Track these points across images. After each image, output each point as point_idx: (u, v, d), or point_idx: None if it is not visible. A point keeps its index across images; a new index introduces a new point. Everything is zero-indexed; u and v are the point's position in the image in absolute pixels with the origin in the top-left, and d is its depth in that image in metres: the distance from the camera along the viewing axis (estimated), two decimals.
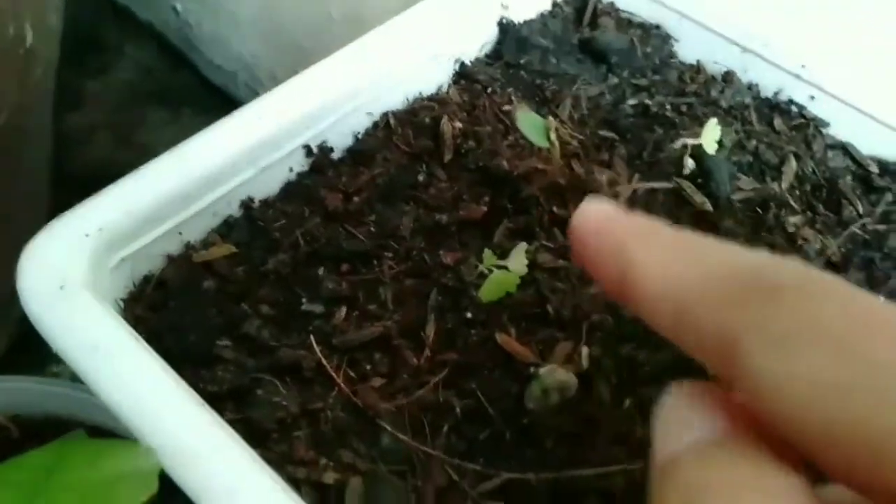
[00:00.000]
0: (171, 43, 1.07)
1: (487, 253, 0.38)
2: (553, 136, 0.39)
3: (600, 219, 0.20)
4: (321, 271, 0.40)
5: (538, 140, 0.39)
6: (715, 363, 0.17)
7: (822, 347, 0.14)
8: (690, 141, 0.46)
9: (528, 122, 0.39)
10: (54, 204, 0.69)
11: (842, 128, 0.51)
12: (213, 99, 1.03)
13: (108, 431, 0.41)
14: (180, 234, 0.39)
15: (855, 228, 0.45)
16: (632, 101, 0.52)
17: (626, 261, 0.19)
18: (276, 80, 0.46)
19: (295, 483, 0.32)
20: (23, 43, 0.51)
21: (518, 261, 0.38)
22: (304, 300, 0.39)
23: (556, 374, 0.32)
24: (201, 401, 0.31)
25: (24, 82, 0.54)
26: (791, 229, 0.45)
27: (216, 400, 0.33)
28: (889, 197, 0.48)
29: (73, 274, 0.34)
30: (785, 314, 0.15)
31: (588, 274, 0.21)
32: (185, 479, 0.28)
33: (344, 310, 0.38)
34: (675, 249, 0.18)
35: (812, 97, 0.52)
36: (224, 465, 0.28)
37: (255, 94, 0.85)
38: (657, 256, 0.18)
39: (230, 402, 0.34)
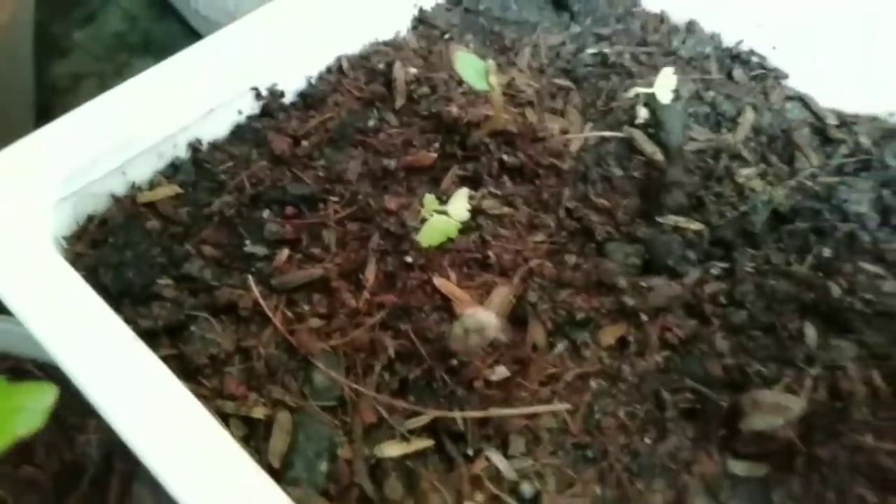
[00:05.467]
0: None
1: (429, 198, 0.39)
2: (493, 79, 0.39)
3: None
4: (266, 214, 0.40)
5: (477, 83, 0.39)
6: None
7: None
8: (643, 90, 0.46)
9: (468, 64, 0.38)
10: None
11: (802, 79, 0.50)
12: None
13: (51, 366, 0.42)
14: (124, 174, 0.39)
15: (805, 180, 0.45)
16: (592, 51, 0.51)
17: None
18: None
19: (224, 417, 0.32)
20: None
21: (458, 207, 0.38)
22: (247, 242, 0.39)
23: (476, 315, 0.33)
24: (133, 335, 0.31)
25: None
26: (741, 180, 0.45)
27: (151, 336, 0.34)
28: (844, 149, 0.48)
29: (7, 210, 0.34)
30: None
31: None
32: (102, 406, 0.29)
33: (286, 252, 0.39)
34: None
35: (774, 47, 0.51)
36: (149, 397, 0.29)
37: None
38: None
39: (165, 337, 0.34)
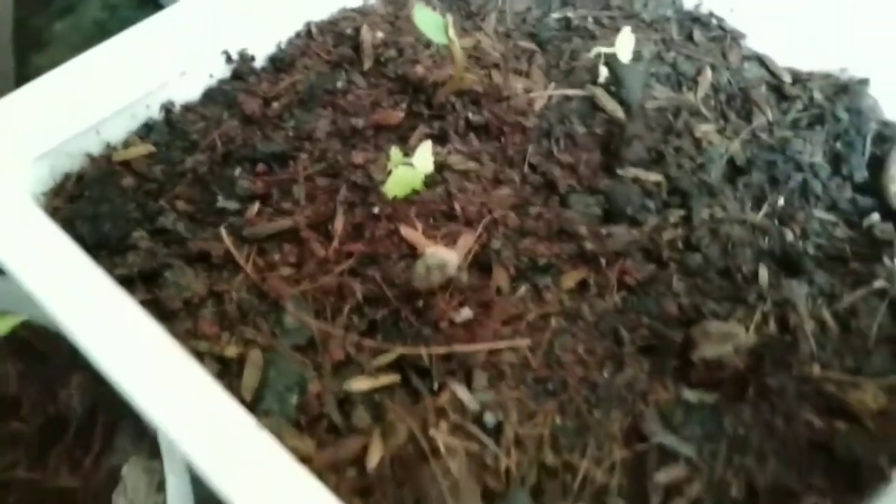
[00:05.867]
0: None
1: (394, 150, 0.40)
2: (452, 32, 0.40)
3: None
4: (237, 171, 0.42)
5: (436, 36, 0.41)
6: None
7: None
8: (605, 49, 0.48)
9: (426, 17, 0.40)
10: None
11: (759, 39, 0.52)
12: None
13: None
14: (98, 133, 0.40)
15: (761, 133, 0.47)
16: (556, 15, 0.53)
17: None
18: None
19: (198, 356, 0.34)
20: None
21: (423, 158, 0.40)
22: (219, 198, 0.40)
23: (438, 253, 0.34)
24: (110, 281, 0.33)
25: None
26: (699, 135, 0.47)
27: (127, 282, 0.35)
28: (799, 105, 0.49)
29: None
30: None
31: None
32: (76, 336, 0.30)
33: (257, 206, 0.40)
34: None
35: (731, 10, 0.53)
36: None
37: None
38: None
39: (140, 284, 0.36)
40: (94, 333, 0.31)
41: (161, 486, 0.40)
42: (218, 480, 0.27)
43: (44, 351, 0.44)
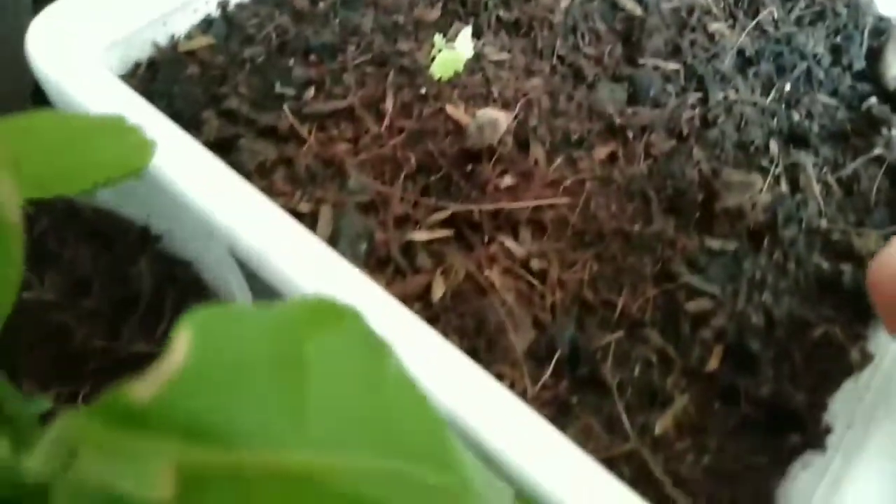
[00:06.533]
0: None
1: (437, 37, 0.44)
2: None
3: None
4: (291, 61, 0.45)
5: None
6: None
7: None
8: None
9: None
10: None
11: None
12: None
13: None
14: (164, 24, 0.44)
15: (768, 27, 0.51)
16: None
17: None
18: None
19: None
20: None
21: (464, 42, 0.44)
22: (276, 84, 0.44)
23: (488, 112, 0.38)
24: (196, 142, 0.36)
25: None
26: (711, 30, 0.51)
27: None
28: (801, 3, 0.53)
29: (75, 49, 0.39)
30: None
31: None
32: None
33: (312, 90, 0.44)
34: None
35: None
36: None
37: None
38: None
39: (216, 150, 0.39)
40: (194, 183, 0.34)
41: None
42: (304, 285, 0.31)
43: (112, 234, 0.48)
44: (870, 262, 0.30)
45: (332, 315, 0.17)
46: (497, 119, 0.38)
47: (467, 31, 0.44)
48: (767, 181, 0.42)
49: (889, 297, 0.28)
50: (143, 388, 0.13)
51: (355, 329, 0.17)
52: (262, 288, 0.35)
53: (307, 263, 0.32)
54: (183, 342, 0.13)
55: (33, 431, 0.17)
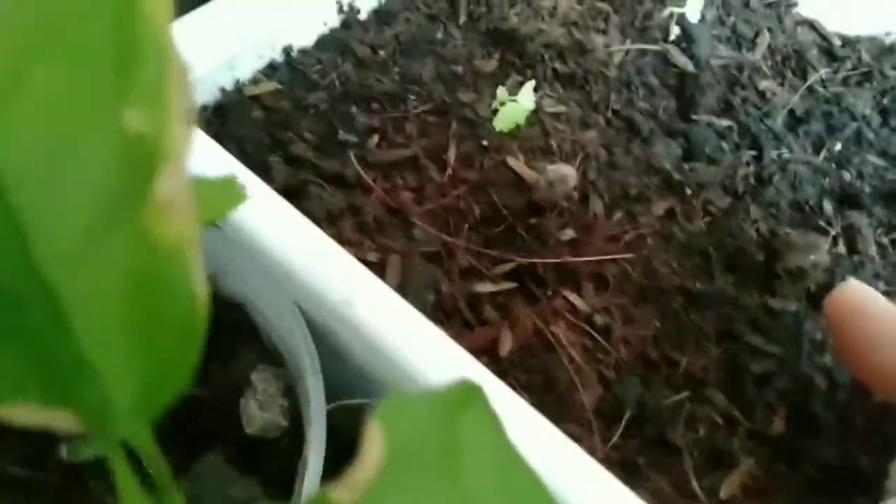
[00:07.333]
0: None
1: (500, 90, 0.45)
2: None
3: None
4: (354, 109, 0.46)
5: None
6: None
7: None
8: (676, 9, 0.52)
9: None
10: None
11: (810, 6, 0.57)
12: None
13: None
14: (232, 69, 0.44)
15: (817, 87, 0.52)
16: None
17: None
18: None
19: None
20: None
21: (527, 96, 0.44)
22: (340, 131, 0.45)
23: (558, 168, 0.38)
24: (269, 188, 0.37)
25: None
26: (761, 88, 0.51)
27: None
28: (848, 65, 0.54)
29: None
30: None
31: None
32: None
33: (376, 138, 0.44)
34: None
35: None
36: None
37: None
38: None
39: (285, 196, 0.40)
40: (271, 233, 0.35)
41: (287, 391, 0.44)
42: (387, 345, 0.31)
43: None
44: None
45: (471, 396, 0.17)
46: (567, 175, 0.39)
47: (530, 86, 0.44)
48: (827, 241, 0.42)
49: (846, 327, 0.33)
50: (344, 493, 0.13)
51: (486, 407, 0.17)
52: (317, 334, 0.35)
53: (390, 317, 0.32)
54: (375, 442, 0.13)
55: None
